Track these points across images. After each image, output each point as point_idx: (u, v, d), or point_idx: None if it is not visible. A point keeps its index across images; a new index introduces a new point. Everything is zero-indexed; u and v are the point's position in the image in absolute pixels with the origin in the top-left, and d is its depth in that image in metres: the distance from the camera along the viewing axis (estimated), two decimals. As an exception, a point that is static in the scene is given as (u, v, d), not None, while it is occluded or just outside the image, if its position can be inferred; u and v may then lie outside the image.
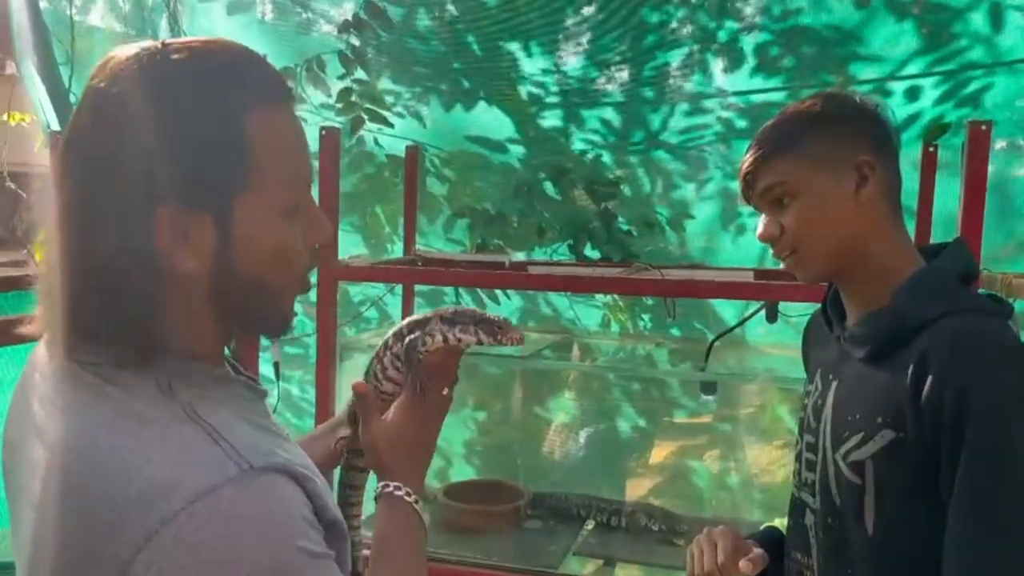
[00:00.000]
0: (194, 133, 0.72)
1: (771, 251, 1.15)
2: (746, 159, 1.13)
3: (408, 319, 1.00)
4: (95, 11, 3.32)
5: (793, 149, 1.09)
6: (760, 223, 1.14)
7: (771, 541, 1.26)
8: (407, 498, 0.91)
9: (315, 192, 2.31)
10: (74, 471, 0.70)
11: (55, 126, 3.09)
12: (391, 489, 0.91)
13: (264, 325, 0.85)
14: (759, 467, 2.56)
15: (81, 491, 0.69)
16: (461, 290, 2.83)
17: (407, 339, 0.97)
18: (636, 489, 2.72)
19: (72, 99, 3.07)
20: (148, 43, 0.76)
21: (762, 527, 1.33)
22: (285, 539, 0.69)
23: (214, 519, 0.66)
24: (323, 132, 2.11)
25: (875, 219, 1.09)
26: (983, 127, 1.83)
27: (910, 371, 1.00)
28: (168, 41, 0.76)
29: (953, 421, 0.96)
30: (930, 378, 0.97)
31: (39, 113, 3.21)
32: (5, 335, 1.87)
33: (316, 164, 2.33)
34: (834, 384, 1.13)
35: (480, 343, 0.97)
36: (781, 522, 1.33)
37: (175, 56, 0.73)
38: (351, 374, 2.24)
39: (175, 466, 0.68)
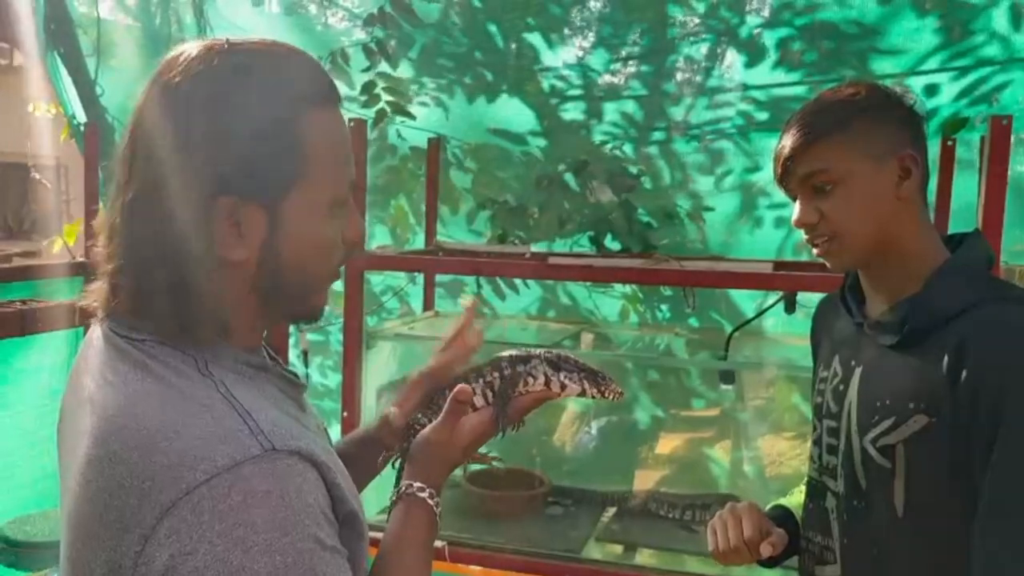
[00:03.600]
0: (253, 130, 0.77)
1: (804, 237, 1.15)
2: (786, 143, 1.11)
3: (509, 353, 1.00)
4: (118, 3, 3.35)
5: (838, 135, 1.08)
6: (796, 209, 1.13)
7: (784, 520, 1.28)
8: (430, 500, 0.92)
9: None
10: (113, 438, 0.74)
11: (81, 117, 3.13)
12: (415, 489, 0.93)
13: (301, 313, 0.89)
14: (777, 455, 2.58)
15: (117, 457, 0.73)
16: (482, 280, 2.86)
17: (507, 372, 0.98)
18: (651, 477, 2.76)
19: (99, 90, 3.11)
20: (213, 41, 0.80)
21: (769, 507, 1.34)
22: (299, 523, 0.71)
23: (233, 494, 0.69)
24: (351, 123, 2.15)
25: (910, 213, 1.10)
26: (1004, 121, 1.85)
27: (947, 357, 1.01)
28: (233, 40, 0.80)
29: (991, 405, 0.97)
30: (968, 363, 0.99)
31: (64, 104, 3.25)
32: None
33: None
34: (858, 371, 1.14)
35: (583, 394, 0.97)
36: (788, 500, 1.35)
37: (238, 56, 0.79)
38: (374, 362, 2.28)
39: (202, 440, 0.71)
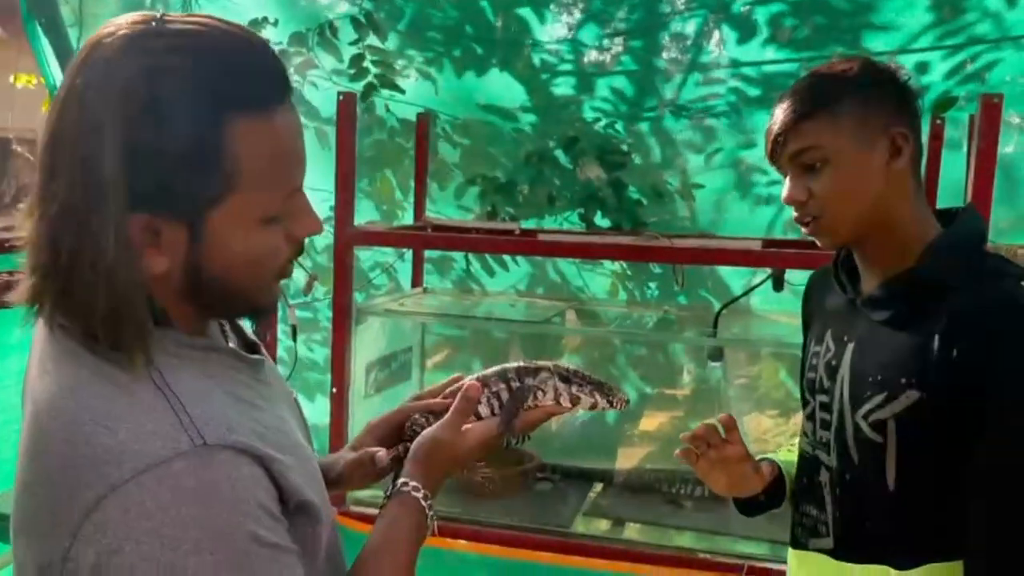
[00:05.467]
0: (172, 143, 0.69)
1: (793, 214, 1.14)
2: (777, 118, 1.11)
3: (515, 364, 0.99)
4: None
5: (829, 112, 1.07)
6: (786, 186, 1.13)
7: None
8: (423, 502, 0.90)
9: (330, 157, 2.31)
10: (45, 431, 0.72)
11: (64, 88, 3.07)
12: (410, 489, 0.90)
13: (245, 313, 0.84)
14: (765, 431, 2.61)
15: (48, 451, 0.71)
16: (471, 256, 2.85)
17: (515, 385, 0.96)
18: (636, 454, 2.77)
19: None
20: (142, 21, 0.72)
21: (759, 457, 1.33)
22: (232, 520, 0.69)
23: (161, 491, 0.67)
24: (340, 97, 2.13)
25: (902, 189, 1.10)
26: (995, 99, 1.86)
27: (939, 332, 1.02)
28: (165, 24, 0.72)
29: (983, 381, 0.98)
30: (961, 339, 1.00)
31: (46, 75, 3.20)
32: None
33: (331, 131, 2.35)
34: (850, 346, 1.15)
35: (594, 407, 0.97)
36: (777, 454, 1.35)
37: (160, 54, 0.70)
38: (362, 338, 2.28)
39: (131, 434, 0.68)
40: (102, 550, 0.66)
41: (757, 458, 1.30)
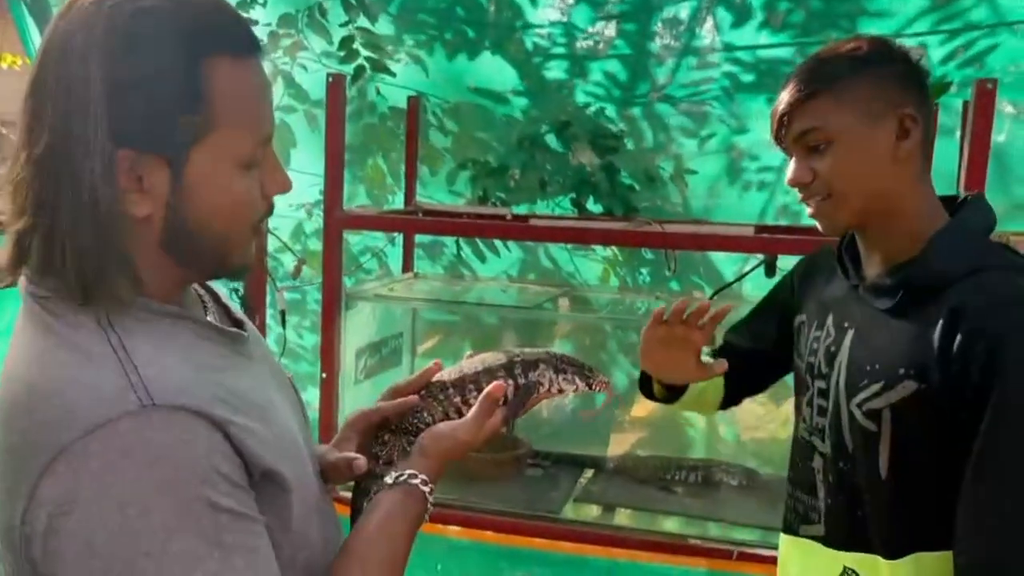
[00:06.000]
0: (152, 80, 0.72)
1: (798, 196, 1.12)
2: (782, 98, 1.09)
3: (513, 357, 1.01)
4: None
5: (835, 92, 1.05)
6: (790, 167, 1.10)
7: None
8: (429, 496, 0.89)
9: (320, 140, 2.29)
10: (11, 396, 0.73)
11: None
12: (419, 483, 0.89)
13: (220, 271, 0.85)
14: (754, 417, 2.61)
15: (9, 417, 0.72)
16: (461, 241, 2.84)
17: (522, 382, 1.00)
18: (627, 440, 2.77)
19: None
20: None
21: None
22: (183, 482, 0.68)
23: (107, 452, 0.66)
24: (329, 79, 2.10)
25: (909, 174, 1.07)
26: (989, 85, 1.85)
27: (940, 323, 1.00)
28: None
29: (983, 373, 0.96)
30: (962, 331, 0.98)
31: (31, 56, 3.15)
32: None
33: (320, 114, 2.32)
34: (850, 333, 1.13)
35: (576, 391, 1.03)
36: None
37: None
38: (352, 323, 2.26)
39: (82, 396, 0.69)
40: (53, 512, 0.67)
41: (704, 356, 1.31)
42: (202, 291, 0.92)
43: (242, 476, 0.72)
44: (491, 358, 1.02)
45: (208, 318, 0.86)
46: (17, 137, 0.75)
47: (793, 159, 1.11)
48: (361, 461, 0.96)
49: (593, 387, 1.03)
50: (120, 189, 0.73)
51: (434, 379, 1.03)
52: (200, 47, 0.74)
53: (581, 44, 2.65)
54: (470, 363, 1.02)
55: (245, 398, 0.77)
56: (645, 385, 1.40)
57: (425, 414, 1.00)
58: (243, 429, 0.73)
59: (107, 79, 0.71)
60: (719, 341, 1.47)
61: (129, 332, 0.74)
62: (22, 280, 0.78)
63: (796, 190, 1.12)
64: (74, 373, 0.71)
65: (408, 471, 0.90)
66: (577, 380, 1.02)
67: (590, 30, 2.63)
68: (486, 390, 0.96)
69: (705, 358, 1.30)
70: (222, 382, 0.76)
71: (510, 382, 0.99)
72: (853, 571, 1.13)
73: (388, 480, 0.90)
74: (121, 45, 0.71)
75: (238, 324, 0.90)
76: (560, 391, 1.01)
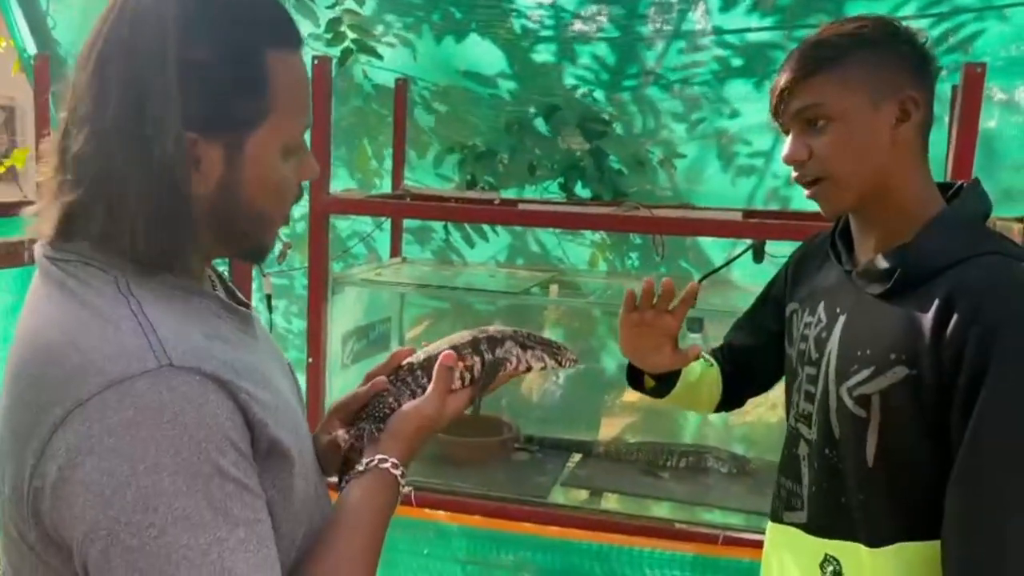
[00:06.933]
0: (226, 64, 0.76)
1: (792, 175, 1.11)
2: (782, 74, 1.07)
3: (477, 335, 1.01)
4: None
5: (836, 69, 1.03)
6: (787, 144, 1.09)
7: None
8: (401, 479, 0.90)
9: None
10: (26, 353, 0.75)
11: (32, 50, 2.99)
12: (389, 466, 0.89)
13: (249, 251, 0.87)
14: (745, 404, 2.61)
15: (27, 371, 0.74)
16: (450, 226, 2.82)
17: (488, 358, 1.00)
18: (617, 425, 2.78)
19: (50, 23, 2.97)
20: None
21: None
22: (194, 444, 0.68)
23: (122, 408, 0.68)
24: (315, 61, 2.08)
25: (907, 156, 1.06)
26: (978, 69, 1.84)
27: (933, 309, 0.98)
28: None
29: (977, 360, 0.94)
30: (956, 317, 0.96)
31: (16, 38, 3.11)
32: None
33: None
34: (841, 318, 1.12)
35: (544, 368, 1.03)
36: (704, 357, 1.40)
37: None
38: (339, 308, 2.25)
39: (99, 353, 0.70)
40: (64, 464, 0.67)
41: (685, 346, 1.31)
42: (210, 271, 0.93)
43: (248, 448, 0.73)
44: (457, 337, 1.02)
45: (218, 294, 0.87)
46: (69, 108, 0.77)
47: (790, 136, 1.09)
48: (342, 431, 0.97)
49: (562, 363, 1.04)
50: (179, 168, 0.75)
51: (403, 362, 1.02)
52: (265, 37, 0.78)
53: (571, 27, 2.62)
54: (436, 344, 1.02)
55: (253, 370, 0.78)
56: (635, 377, 1.39)
57: (391, 399, 0.98)
58: (253, 397, 0.74)
59: (183, 61, 0.74)
60: (721, 341, 1.47)
61: (146, 300, 0.75)
62: (38, 247, 0.80)
63: (788, 174, 1.11)
64: (94, 331, 0.72)
65: (378, 456, 0.90)
66: (545, 356, 1.03)
67: (580, 13, 2.60)
68: (438, 360, 0.96)
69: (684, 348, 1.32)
70: (231, 352, 0.77)
71: (476, 359, 0.99)
72: (835, 559, 1.12)
73: (360, 467, 0.90)
74: (192, 28, 0.74)
75: (244, 304, 0.91)
76: (528, 368, 1.02)
